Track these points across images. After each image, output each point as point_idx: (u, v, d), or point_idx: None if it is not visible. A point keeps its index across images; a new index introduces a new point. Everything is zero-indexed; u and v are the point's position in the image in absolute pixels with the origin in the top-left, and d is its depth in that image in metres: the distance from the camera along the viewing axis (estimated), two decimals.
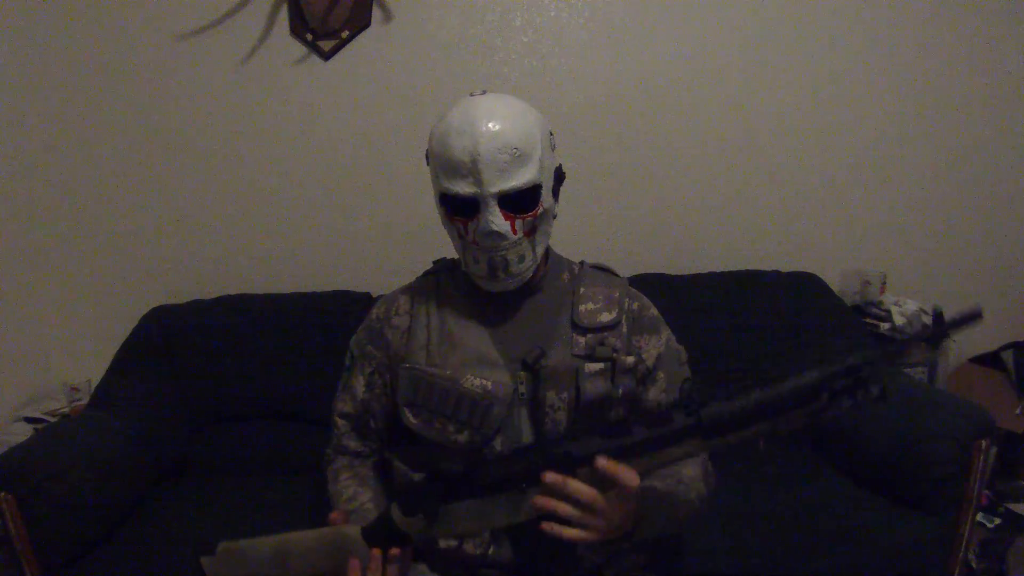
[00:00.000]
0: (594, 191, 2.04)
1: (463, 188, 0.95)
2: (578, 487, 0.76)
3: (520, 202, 0.97)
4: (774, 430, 0.73)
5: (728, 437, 0.73)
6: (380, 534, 0.87)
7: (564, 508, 0.76)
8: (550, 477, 0.76)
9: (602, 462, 0.75)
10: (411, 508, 0.84)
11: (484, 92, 1.01)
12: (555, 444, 0.79)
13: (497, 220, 0.95)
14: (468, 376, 0.99)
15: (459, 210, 0.99)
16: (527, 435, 1.01)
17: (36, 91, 1.94)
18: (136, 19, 1.93)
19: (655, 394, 1.06)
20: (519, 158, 0.95)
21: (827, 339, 1.88)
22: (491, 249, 0.97)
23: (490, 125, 0.94)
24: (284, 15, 1.95)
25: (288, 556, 0.89)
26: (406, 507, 0.84)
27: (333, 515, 0.94)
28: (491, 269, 0.99)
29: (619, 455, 0.75)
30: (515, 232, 0.97)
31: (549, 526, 0.77)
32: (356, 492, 1.06)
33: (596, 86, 2.04)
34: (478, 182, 0.94)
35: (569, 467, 0.77)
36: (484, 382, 0.99)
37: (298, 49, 1.98)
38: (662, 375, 1.07)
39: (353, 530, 0.89)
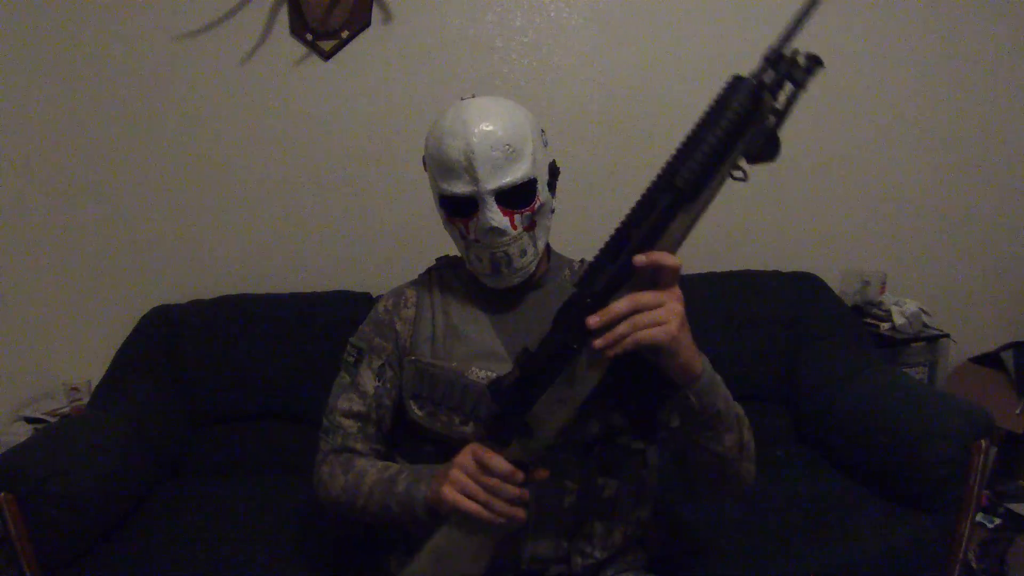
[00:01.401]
0: (594, 190, 2.04)
1: (460, 187, 0.98)
2: (619, 304, 0.75)
3: (517, 197, 0.99)
4: (746, 153, 0.74)
5: (712, 186, 0.75)
6: None
7: (622, 327, 0.75)
8: (592, 320, 0.75)
9: (639, 258, 0.74)
10: (502, 437, 0.84)
11: (474, 96, 1.03)
12: (577, 298, 0.79)
13: (496, 216, 0.97)
14: (473, 368, 1.01)
15: (459, 210, 1.00)
16: None
17: (36, 91, 1.93)
18: (136, 19, 1.92)
19: None
20: (512, 154, 0.97)
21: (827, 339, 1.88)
22: (493, 246, 0.99)
23: (482, 125, 0.96)
24: (284, 15, 1.95)
25: (446, 557, 0.87)
26: (497, 440, 0.84)
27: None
28: (494, 266, 1.01)
29: (631, 263, 0.75)
30: (514, 227, 0.99)
31: (631, 339, 0.75)
32: (388, 464, 1.02)
33: (596, 86, 2.04)
34: (474, 180, 0.96)
35: (603, 302, 0.76)
36: (489, 374, 1.00)
37: (298, 49, 1.98)
38: None
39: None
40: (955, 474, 1.43)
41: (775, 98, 0.73)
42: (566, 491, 0.98)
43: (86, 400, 1.84)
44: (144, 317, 1.86)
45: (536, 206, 1.00)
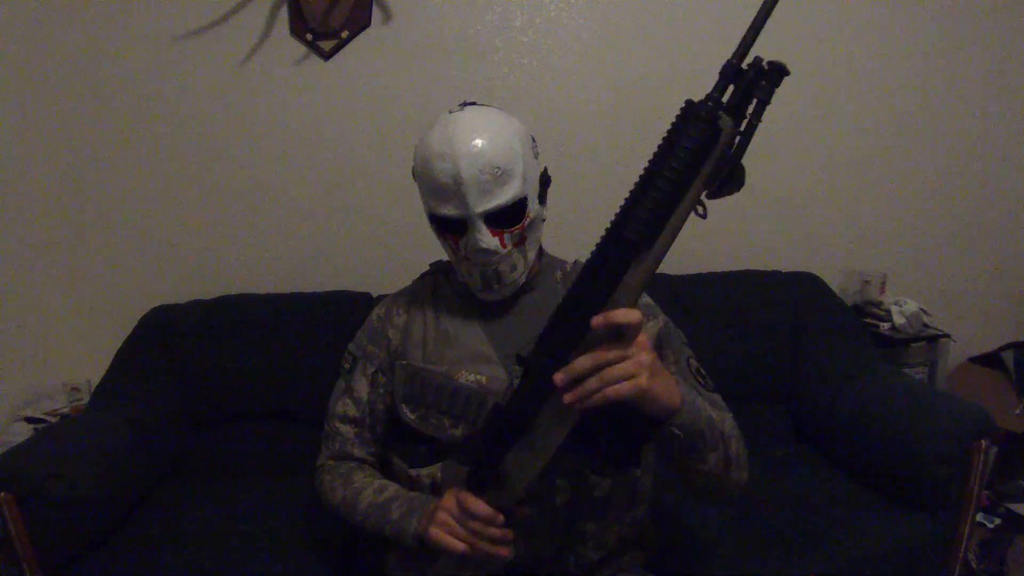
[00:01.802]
0: (594, 191, 2.04)
1: (449, 210, 0.98)
2: (582, 361, 0.72)
3: (507, 217, 0.99)
4: (706, 187, 0.66)
5: (668, 231, 0.68)
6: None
7: (592, 382, 0.72)
8: (558, 378, 0.73)
9: (596, 320, 0.70)
10: (478, 488, 0.85)
11: (463, 107, 1.01)
12: (538, 355, 0.77)
13: (485, 238, 0.97)
14: (463, 372, 1.02)
15: (448, 229, 1.01)
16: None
17: (36, 91, 1.93)
18: (136, 19, 1.92)
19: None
20: (501, 176, 0.96)
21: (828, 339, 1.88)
22: (483, 264, 1.00)
23: (470, 146, 0.95)
24: (284, 15, 1.95)
25: None
26: (474, 490, 0.86)
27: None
28: (485, 281, 1.02)
29: (587, 325, 0.72)
30: (504, 246, 0.99)
31: (599, 395, 0.72)
32: (383, 484, 1.04)
33: (596, 86, 2.04)
34: (463, 204, 0.96)
35: (564, 361, 0.74)
36: (479, 377, 1.01)
37: (298, 49, 1.98)
38: (668, 351, 1.05)
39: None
40: (955, 474, 1.43)
41: (739, 119, 0.65)
42: (558, 490, 0.99)
43: (86, 400, 1.84)
44: (144, 317, 1.86)
45: (526, 223, 1.00)
